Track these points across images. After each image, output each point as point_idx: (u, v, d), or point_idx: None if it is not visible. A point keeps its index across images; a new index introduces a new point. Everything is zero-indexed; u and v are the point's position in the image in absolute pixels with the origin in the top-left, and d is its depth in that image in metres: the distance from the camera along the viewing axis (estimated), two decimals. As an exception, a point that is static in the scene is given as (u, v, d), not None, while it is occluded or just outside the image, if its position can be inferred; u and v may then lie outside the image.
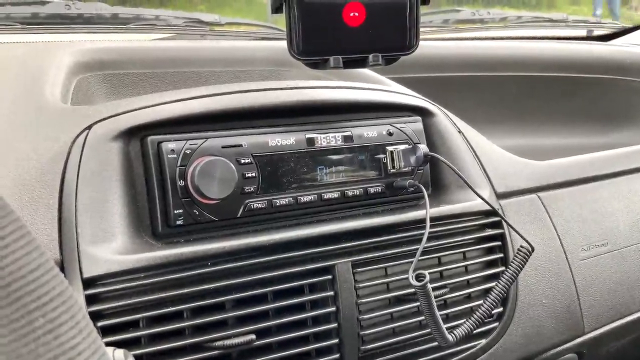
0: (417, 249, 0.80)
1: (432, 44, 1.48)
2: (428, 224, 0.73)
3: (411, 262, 0.80)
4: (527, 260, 0.78)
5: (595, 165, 1.03)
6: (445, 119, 0.90)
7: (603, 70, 1.47)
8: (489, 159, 0.92)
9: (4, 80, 0.87)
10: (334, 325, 0.74)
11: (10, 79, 0.88)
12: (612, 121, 1.46)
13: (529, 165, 0.96)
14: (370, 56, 0.75)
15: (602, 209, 1.01)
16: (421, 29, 1.87)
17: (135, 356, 0.65)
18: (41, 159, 0.68)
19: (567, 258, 0.94)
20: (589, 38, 1.67)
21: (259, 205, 0.73)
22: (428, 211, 0.75)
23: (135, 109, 0.72)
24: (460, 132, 0.91)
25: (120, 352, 0.49)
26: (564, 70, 1.45)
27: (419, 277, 0.70)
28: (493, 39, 1.60)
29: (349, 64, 0.75)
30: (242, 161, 0.73)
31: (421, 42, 1.57)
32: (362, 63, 0.76)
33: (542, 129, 1.44)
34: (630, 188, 1.04)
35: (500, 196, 0.91)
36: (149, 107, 0.72)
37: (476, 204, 0.85)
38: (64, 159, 0.68)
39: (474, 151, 0.91)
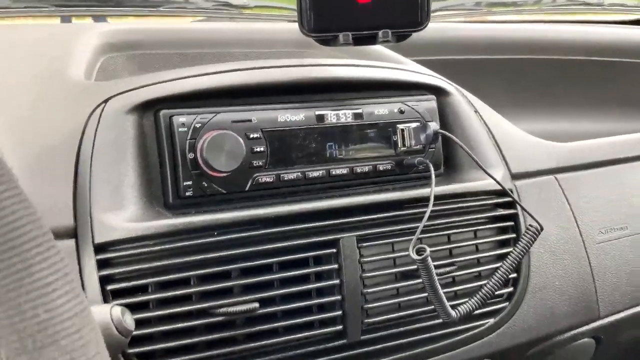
0: (424, 227, 0.81)
1: (463, 26, 1.47)
2: (432, 200, 0.74)
3: (419, 238, 0.81)
4: (534, 240, 0.78)
5: (618, 148, 1.01)
6: (461, 99, 0.90)
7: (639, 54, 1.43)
8: (505, 140, 0.91)
9: (31, 58, 0.91)
10: (338, 297, 0.76)
11: (38, 57, 0.92)
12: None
13: (547, 147, 0.95)
14: (380, 32, 0.76)
15: (623, 193, 0.99)
16: (453, 12, 1.84)
17: (144, 319, 0.68)
18: (59, 131, 0.72)
19: (583, 241, 0.93)
20: (626, 22, 1.62)
21: (267, 179, 0.75)
22: (433, 188, 0.75)
23: (150, 84, 0.74)
24: (476, 111, 0.91)
25: (117, 309, 0.51)
26: (597, 54, 1.42)
27: (419, 252, 0.70)
28: (525, 22, 1.58)
29: (358, 40, 0.76)
30: (251, 136, 0.74)
31: (452, 25, 1.55)
32: (372, 40, 0.77)
33: (575, 113, 1.42)
34: (653, 172, 1.02)
35: (515, 177, 0.91)
36: (162, 82, 0.75)
37: (488, 184, 0.85)
38: (81, 131, 0.71)
39: (490, 131, 0.91)
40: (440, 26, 1.43)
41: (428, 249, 0.71)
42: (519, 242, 0.79)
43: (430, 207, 0.73)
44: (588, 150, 0.98)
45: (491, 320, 0.86)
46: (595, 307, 0.95)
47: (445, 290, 0.82)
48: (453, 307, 0.76)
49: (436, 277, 0.72)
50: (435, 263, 0.81)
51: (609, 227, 0.96)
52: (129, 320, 0.52)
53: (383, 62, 0.91)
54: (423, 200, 0.81)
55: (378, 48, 1.08)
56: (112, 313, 0.51)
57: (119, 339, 0.50)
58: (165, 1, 1.38)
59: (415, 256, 0.70)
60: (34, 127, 0.73)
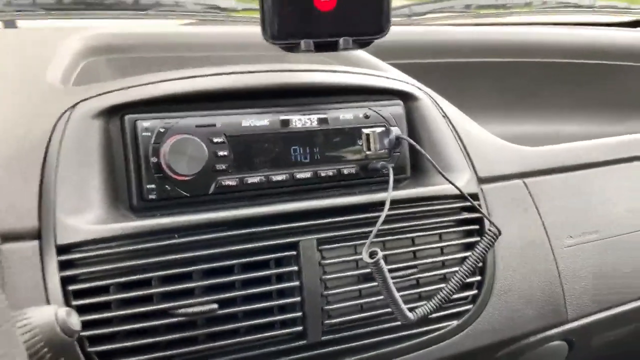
0: (388, 229, 0.83)
1: (452, 29, 1.47)
2: (388, 204, 0.75)
3: (382, 241, 0.83)
4: (492, 243, 0.79)
5: (589, 152, 1.01)
6: (430, 103, 0.91)
7: (629, 57, 1.43)
8: (473, 144, 0.92)
9: (14, 63, 0.94)
10: (297, 299, 0.78)
11: (19, 61, 0.94)
12: (637, 109, 1.42)
13: (516, 151, 0.96)
14: (341, 40, 0.78)
15: (594, 198, 0.99)
16: (442, 15, 1.84)
17: (105, 319, 0.70)
18: (28, 134, 0.74)
19: (551, 245, 0.94)
20: (616, 24, 1.62)
21: (231, 183, 0.77)
22: (390, 192, 0.76)
23: (115, 90, 0.76)
24: (444, 116, 0.92)
25: (62, 310, 0.53)
26: (585, 57, 1.42)
27: (372, 255, 0.72)
28: (515, 24, 1.58)
29: (320, 47, 0.78)
30: (215, 140, 0.76)
31: (440, 28, 1.56)
32: (333, 47, 0.78)
33: (562, 116, 1.42)
34: (626, 177, 1.02)
35: (482, 180, 0.91)
36: (128, 88, 0.77)
37: (453, 187, 0.86)
38: (49, 135, 0.73)
39: (459, 135, 0.92)
40: (427, 29, 1.44)
41: (380, 252, 0.72)
42: (477, 246, 0.80)
43: (386, 211, 0.75)
44: (558, 155, 0.98)
45: (455, 322, 0.88)
46: (563, 311, 0.95)
47: (408, 292, 0.84)
48: (411, 309, 0.77)
49: (390, 280, 0.73)
50: (397, 265, 0.83)
51: (578, 231, 0.97)
52: (74, 321, 0.54)
53: (353, 67, 0.93)
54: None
55: (358, 53, 1.09)
56: (57, 314, 0.53)
57: (64, 339, 0.52)
58: (154, 4, 1.41)
59: (368, 259, 0.72)
60: (5, 130, 0.75)
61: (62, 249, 0.69)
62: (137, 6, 1.39)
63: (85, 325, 0.68)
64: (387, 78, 0.90)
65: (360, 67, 0.94)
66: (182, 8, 1.43)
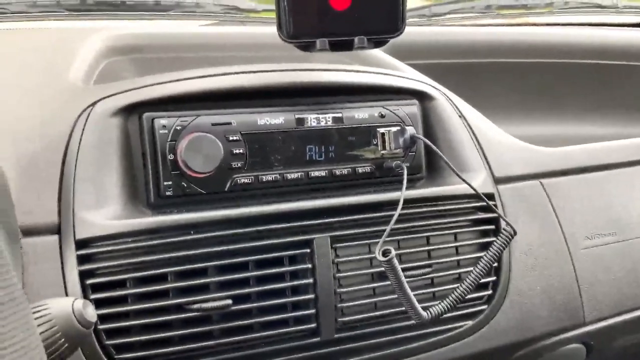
0: (403, 228, 0.83)
1: (472, 30, 1.47)
2: (401, 203, 0.76)
3: (396, 240, 0.83)
4: (507, 244, 0.79)
5: (606, 153, 1.00)
6: (446, 103, 0.91)
7: None
8: (489, 144, 0.92)
9: (36, 63, 0.96)
10: (311, 296, 0.78)
11: (42, 61, 0.96)
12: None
13: (533, 151, 0.95)
14: (356, 39, 0.78)
15: (612, 199, 0.98)
16: (463, 15, 1.83)
17: (122, 313, 0.72)
18: (49, 133, 0.76)
19: (568, 246, 0.93)
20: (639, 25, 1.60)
21: (246, 181, 0.78)
22: (403, 191, 0.77)
23: (135, 88, 0.78)
24: (461, 116, 0.92)
25: (79, 302, 0.54)
26: (606, 58, 1.41)
27: (385, 253, 0.72)
28: (536, 24, 1.57)
29: (335, 46, 0.78)
30: (231, 138, 0.77)
31: (460, 29, 1.56)
32: (348, 46, 0.79)
33: (581, 117, 1.40)
34: (646, 178, 1.01)
35: (498, 181, 0.91)
36: (147, 86, 0.78)
37: (468, 187, 0.85)
38: (69, 132, 0.75)
39: (475, 136, 0.92)
40: (447, 30, 1.44)
41: (393, 251, 0.72)
42: (492, 246, 0.80)
43: (399, 210, 0.75)
44: (575, 156, 0.98)
45: (469, 323, 0.87)
46: (580, 313, 0.94)
47: (423, 291, 0.84)
48: (425, 308, 0.77)
49: (404, 279, 0.73)
50: (411, 264, 0.83)
51: (595, 233, 0.96)
52: (90, 312, 0.55)
53: (370, 66, 0.93)
54: (403, 203, 0.82)
55: (375, 53, 1.10)
56: (74, 305, 0.54)
57: (80, 330, 0.54)
58: (175, 5, 1.43)
59: (381, 257, 0.72)
60: (27, 128, 0.77)
61: (80, 244, 0.71)
62: (159, 7, 1.41)
63: (103, 318, 0.70)
64: (403, 77, 0.90)
65: (377, 67, 0.95)
66: (202, 9, 1.44)
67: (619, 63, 1.38)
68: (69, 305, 0.54)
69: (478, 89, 1.33)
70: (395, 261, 0.72)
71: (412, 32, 1.36)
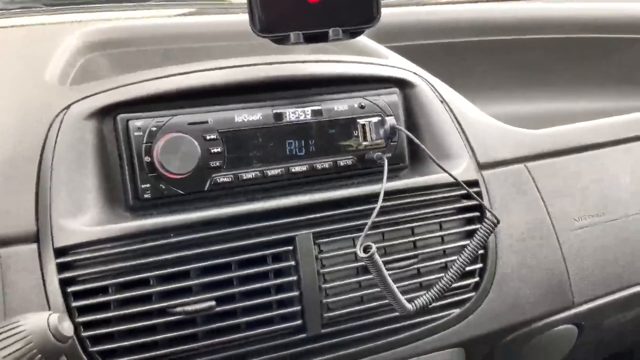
0: (387, 220, 0.82)
1: (454, 7, 1.45)
2: (381, 196, 0.75)
3: (381, 232, 0.82)
4: (490, 232, 0.78)
5: (593, 133, 0.99)
6: (428, 89, 0.90)
7: (633, 29, 1.39)
8: (473, 129, 0.91)
9: (11, 62, 0.95)
10: (296, 293, 0.78)
11: (18, 59, 0.95)
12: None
13: (517, 134, 0.94)
14: (330, 31, 0.77)
15: (600, 179, 0.98)
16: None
17: (105, 319, 0.71)
18: (24, 136, 0.74)
19: (554, 229, 0.93)
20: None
21: (226, 180, 0.77)
22: (384, 183, 0.76)
23: (110, 89, 0.76)
24: (443, 101, 0.91)
25: (54, 316, 0.54)
26: (588, 31, 1.39)
27: (366, 249, 0.71)
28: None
29: (310, 39, 0.77)
30: (208, 137, 0.76)
31: (442, 7, 1.53)
32: (323, 38, 0.77)
33: (567, 93, 1.39)
34: (631, 156, 1.00)
35: (483, 166, 0.90)
36: (122, 86, 0.77)
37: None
38: (44, 137, 0.74)
39: (458, 121, 0.91)
40: (429, 9, 1.42)
41: (374, 247, 0.72)
42: (475, 235, 0.79)
43: (380, 203, 0.74)
44: (560, 137, 0.96)
45: (456, 311, 0.87)
46: (569, 295, 0.94)
47: (409, 282, 0.83)
48: (410, 300, 0.77)
49: (386, 273, 0.73)
50: (397, 256, 0.83)
51: (583, 214, 0.95)
52: (66, 326, 0.55)
53: (350, 55, 0.91)
54: (385, 195, 0.81)
55: (361, 40, 1.08)
56: (49, 320, 0.53)
57: (56, 345, 0.53)
58: (153, -6, 1.40)
59: (361, 254, 0.71)
60: (1, 132, 0.76)
61: (60, 252, 0.70)
62: (137, -5, 1.38)
63: (86, 325, 0.70)
64: (382, 65, 0.89)
65: (359, 55, 0.93)
66: (181, -3, 1.42)
67: (603, 36, 1.36)
68: (44, 320, 0.54)
69: (463, 68, 1.31)
70: (377, 256, 0.72)
71: (394, 12, 1.34)
